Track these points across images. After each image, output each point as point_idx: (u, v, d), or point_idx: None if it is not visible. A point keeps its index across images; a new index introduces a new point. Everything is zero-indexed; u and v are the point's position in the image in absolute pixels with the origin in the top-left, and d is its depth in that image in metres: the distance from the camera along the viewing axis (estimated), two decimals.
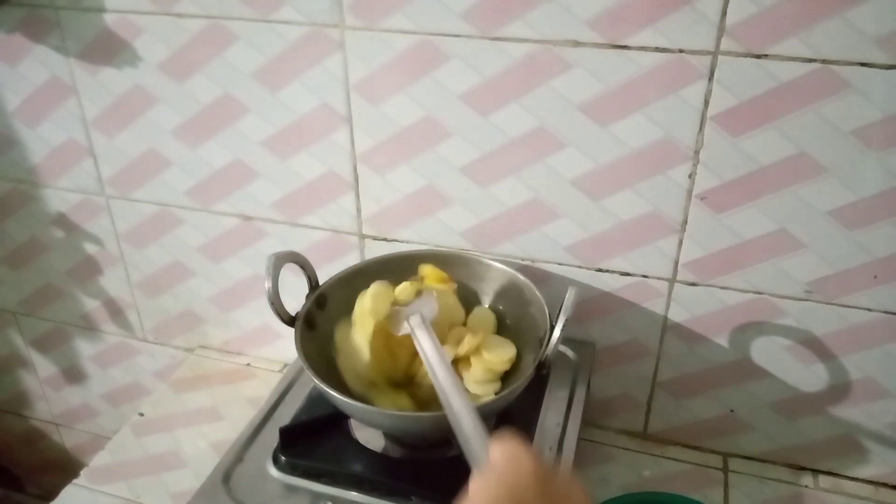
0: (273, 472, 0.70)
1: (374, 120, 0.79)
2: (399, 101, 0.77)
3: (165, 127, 0.89)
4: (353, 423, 0.74)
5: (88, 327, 1.13)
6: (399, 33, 0.74)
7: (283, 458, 0.70)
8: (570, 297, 0.66)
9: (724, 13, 0.64)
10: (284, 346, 1.02)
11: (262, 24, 0.78)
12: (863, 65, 0.62)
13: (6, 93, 0.94)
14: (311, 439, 0.72)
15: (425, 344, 0.61)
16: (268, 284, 0.69)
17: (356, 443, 0.72)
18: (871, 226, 0.69)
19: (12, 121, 0.96)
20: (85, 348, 1.16)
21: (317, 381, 0.65)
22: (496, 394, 0.69)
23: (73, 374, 1.20)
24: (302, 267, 0.75)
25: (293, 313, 0.72)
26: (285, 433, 0.71)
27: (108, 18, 0.84)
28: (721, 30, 0.65)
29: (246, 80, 0.82)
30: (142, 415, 0.97)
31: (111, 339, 1.13)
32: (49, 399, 1.26)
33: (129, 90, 0.88)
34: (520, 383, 0.65)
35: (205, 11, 0.79)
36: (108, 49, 0.86)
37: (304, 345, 0.69)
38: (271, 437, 0.73)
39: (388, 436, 0.73)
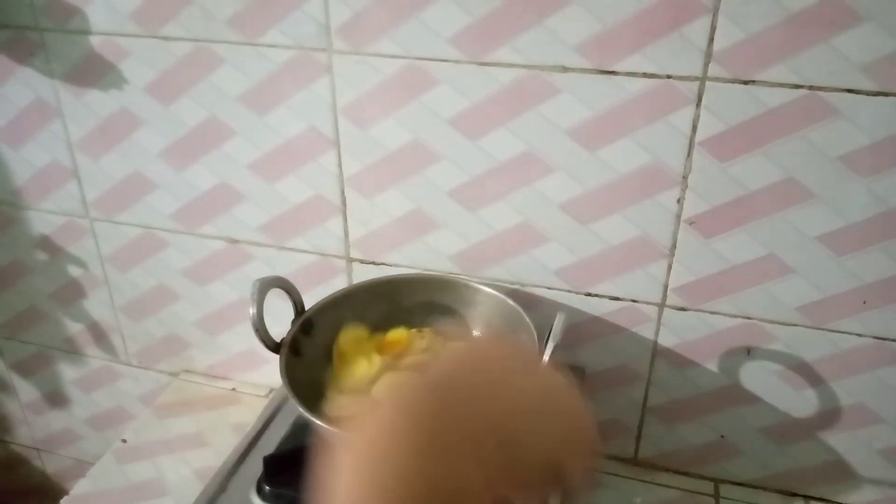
0: (257, 502, 0.69)
1: (362, 143, 0.79)
2: (387, 125, 0.77)
3: (151, 149, 0.88)
4: None
5: (71, 351, 1.11)
6: (387, 58, 0.73)
7: (267, 487, 0.69)
8: (558, 322, 0.65)
9: (711, 39, 0.64)
10: (271, 370, 1.00)
11: (248, 47, 0.77)
12: (850, 91, 0.63)
13: None
14: (295, 468, 0.70)
15: None
16: (252, 311, 0.68)
17: None
18: (859, 251, 0.69)
19: None
20: (68, 372, 1.14)
21: (302, 410, 0.63)
22: None
23: (56, 399, 1.18)
24: (287, 292, 0.74)
25: (278, 339, 0.71)
26: (269, 462, 0.70)
27: (94, 41, 0.83)
28: (708, 56, 0.65)
29: (232, 103, 0.81)
30: (124, 441, 0.95)
31: (94, 362, 1.11)
32: (30, 424, 1.24)
33: (115, 112, 0.87)
34: None
35: (191, 35, 0.79)
36: (93, 71, 0.85)
37: (289, 372, 0.68)
38: (256, 466, 0.72)
39: None
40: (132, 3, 0.79)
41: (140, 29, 0.80)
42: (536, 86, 0.70)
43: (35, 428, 1.24)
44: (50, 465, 1.28)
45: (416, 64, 0.73)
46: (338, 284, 0.89)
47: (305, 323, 0.74)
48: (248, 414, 0.97)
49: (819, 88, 0.63)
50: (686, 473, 0.87)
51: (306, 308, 0.76)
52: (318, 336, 0.75)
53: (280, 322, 0.72)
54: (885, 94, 0.62)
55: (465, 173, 0.77)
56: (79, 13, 0.82)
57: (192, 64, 0.80)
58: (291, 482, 0.69)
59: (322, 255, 0.88)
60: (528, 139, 0.73)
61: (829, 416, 0.79)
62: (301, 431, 0.74)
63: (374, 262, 0.87)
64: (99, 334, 1.08)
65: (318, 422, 0.63)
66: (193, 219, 0.91)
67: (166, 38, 0.80)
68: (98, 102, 0.87)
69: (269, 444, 0.75)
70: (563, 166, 0.73)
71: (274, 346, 0.70)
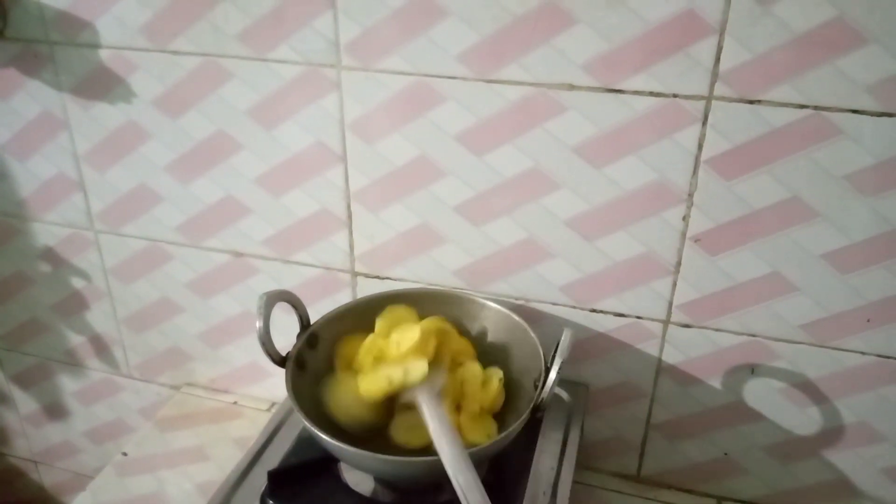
0: None
1: (369, 158, 0.79)
2: (394, 141, 0.78)
3: (158, 163, 0.88)
4: (343, 466, 0.72)
5: (72, 363, 1.11)
6: (395, 74, 0.74)
7: (270, 502, 0.69)
8: (565, 338, 0.66)
9: (717, 59, 0.65)
10: (273, 384, 1.01)
11: (258, 62, 0.78)
12: (854, 112, 0.63)
13: None
14: (299, 483, 0.70)
15: (432, 421, 0.62)
16: (259, 324, 0.68)
17: (346, 487, 0.70)
18: (863, 269, 0.70)
19: (2, 154, 0.95)
20: (68, 384, 1.14)
21: (307, 424, 0.63)
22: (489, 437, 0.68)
23: (55, 411, 1.18)
24: (293, 306, 0.74)
25: (283, 353, 0.71)
26: (274, 477, 0.69)
27: (103, 54, 0.84)
28: (714, 75, 0.65)
29: (240, 117, 0.82)
30: (125, 454, 0.95)
31: (95, 375, 1.11)
32: (29, 436, 1.23)
33: (122, 125, 0.87)
34: (514, 427, 0.64)
35: (200, 49, 0.79)
36: (101, 84, 0.85)
37: (294, 386, 0.68)
38: (259, 481, 0.71)
39: (379, 479, 0.71)
40: (142, 18, 0.80)
41: (149, 43, 0.81)
42: (543, 103, 0.71)
43: (33, 440, 1.23)
44: (47, 478, 1.27)
45: (424, 81, 0.73)
46: (342, 298, 0.89)
47: (311, 337, 0.74)
48: (250, 428, 0.97)
49: (824, 109, 0.64)
50: (689, 491, 0.87)
51: (311, 322, 0.76)
52: (323, 350, 0.75)
53: (284, 335, 0.72)
54: (890, 115, 0.63)
55: (470, 189, 0.78)
56: (89, 27, 0.82)
57: (200, 78, 0.81)
58: (296, 497, 0.68)
59: (327, 269, 0.88)
60: (535, 156, 0.74)
61: (833, 434, 0.79)
62: (305, 446, 0.74)
63: (378, 277, 0.87)
64: (100, 346, 1.07)
65: (323, 436, 0.63)
66: (199, 232, 0.91)
67: (175, 53, 0.81)
68: (106, 115, 0.87)
69: (273, 459, 0.74)
70: (569, 183, 0.74)
71: (280, 360, 0.70)
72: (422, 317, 0.78)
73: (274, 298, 0.70)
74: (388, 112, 0.76)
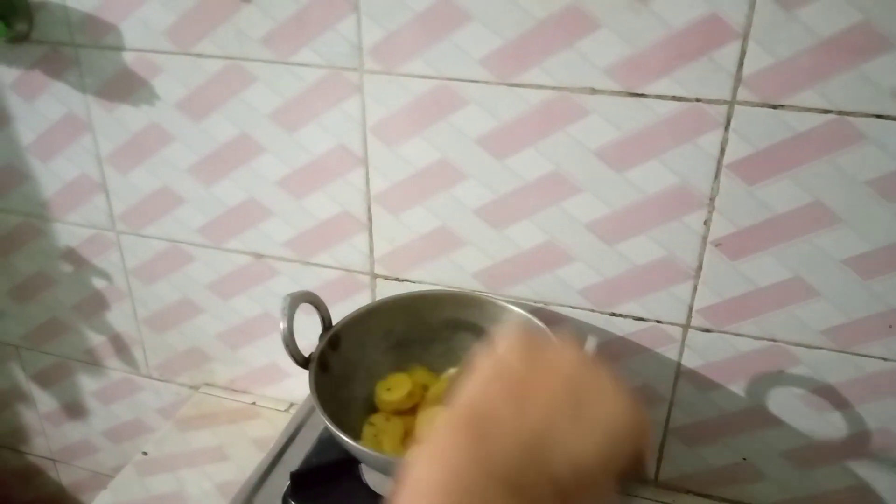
0: None
1: (390, 161, 0.80)
2: (415, 144, 0.78)
3: (180, 165, 0.89)
4: (364, 467, 0.73)
5: (92, 362, 1.12)
6: (417, 77, 0.74)
7: (293, 503, 0.69)
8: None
9: (740, 64, 0.65)
10: (291, 385, 1.01)
11: (281, 66, 0.79)
12: (878, 116, 0.63)
13: (21, 128, 0.95)
14: (321, 484, 0.70)
15: None
16: (283, 325, 0.68)
17: (366, 488, 0.71)
18: (886, 275, 0.70)
19: (26, 155, 0.96)
20: (88, 384, 1.15)
21: (330, 426, 0.64)
22: None
23: (75, 410, 1.19)
24: (316, 307, 0.75)
25: (306, 354, 0.72)
26: (296, 477, 0.70)
27: (128, 57, 0.84)
28: (737, 80, 0.65)
29: (263, 120, 0.82)
30: (145, 454, 0.95)
31: (115, 374, 1.12)
32: (48, 435, 1.24)
33: (145, 128, 0.88)
34: None
35: (224, 52, 0.80)
36: (125, 87, 0.86)
37: (318, 387, 0.68)
38: (280, 481, 0.72)
39: None
40: (167, 21, 0.81)
41: (174, 46, 0.82)
42: (565, 107, 0.71)
43: (52, 439, 1.24)
44: (66, 476, 1.29)
45: (446, 84, 0.74)
46: (361, 300, 0.90)
47: (333, 338, 0.75)
48: (269, 428, 0.97)
49: (848, 114, 0.64)
50: (707, 496, 0.87)
51: (333, 323, 0.76)
52: (345, 351, 0.76)
53: (304, 337, 0.72)
54: None
55: (491, 192, 0.78)
56: (113, 30, 0.83)
57: (224, 81, 0.82)
58: (318, 498, 0.69)
59: (347, 270, 0.89)
60: (556, 159, 0.74)
61: (853, 440, 0.78)
62: (327, 447, 0.74)
63: (397, 279, 0.87)
64: (120, 346, 1.08)
65: (345, 438, 0.63)
66: (220, 233, 0.92)
67: (199, 56, 0.81)
68: (129, 117, 0.88)
69: (294, 460, 0.75)
70: (591, 187, 0.74)
71: (303, 361, 0.70)
72: (440, 320, 0.78)
73: (298, 300, 0.70)
74: (410, 115, 0.77)
